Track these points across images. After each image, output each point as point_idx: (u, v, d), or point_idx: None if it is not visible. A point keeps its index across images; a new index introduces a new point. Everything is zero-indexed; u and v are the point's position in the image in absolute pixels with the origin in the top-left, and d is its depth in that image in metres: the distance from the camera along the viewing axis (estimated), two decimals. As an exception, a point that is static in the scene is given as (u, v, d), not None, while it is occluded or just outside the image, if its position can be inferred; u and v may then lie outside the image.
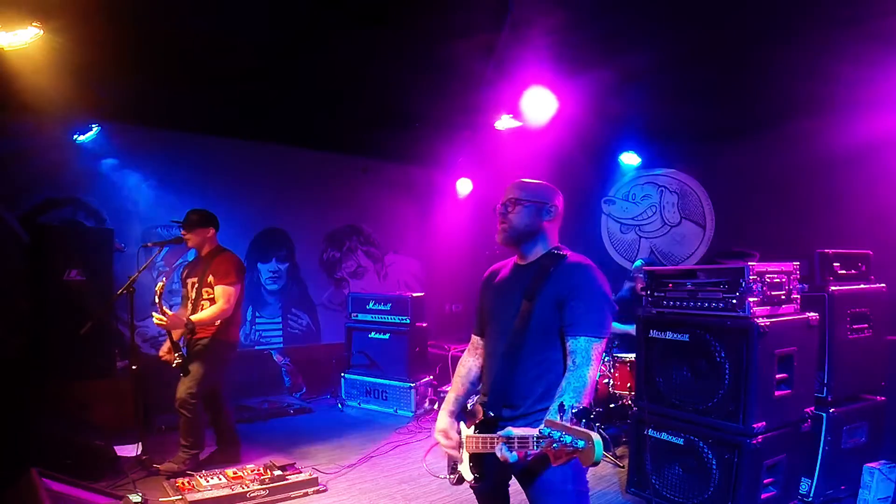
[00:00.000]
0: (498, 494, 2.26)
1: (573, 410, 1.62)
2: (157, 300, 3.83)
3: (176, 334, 4.16)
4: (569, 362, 1.93)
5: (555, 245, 2.14)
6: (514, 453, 1.71)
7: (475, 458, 2.09)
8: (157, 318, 3.86)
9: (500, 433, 1.77)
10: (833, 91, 4.47)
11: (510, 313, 2.08)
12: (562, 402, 1.67)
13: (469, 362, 2.39)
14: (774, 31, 3.85)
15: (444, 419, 2.25)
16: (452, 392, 2.34)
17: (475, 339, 2.39)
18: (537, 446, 1.63)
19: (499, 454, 1.74)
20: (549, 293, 2.00)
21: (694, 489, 3.28)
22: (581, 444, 1.51)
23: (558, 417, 1.65)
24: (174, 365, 4.04)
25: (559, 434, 1.55)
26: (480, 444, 2.01)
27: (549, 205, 2.12)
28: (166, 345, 4.12)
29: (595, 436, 1.50)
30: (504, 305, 2.14)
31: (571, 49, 4.21)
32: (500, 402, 2.07)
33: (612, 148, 6.75)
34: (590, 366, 1.88)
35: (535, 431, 1.64)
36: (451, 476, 2.26)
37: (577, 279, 1.98)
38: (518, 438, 1.70)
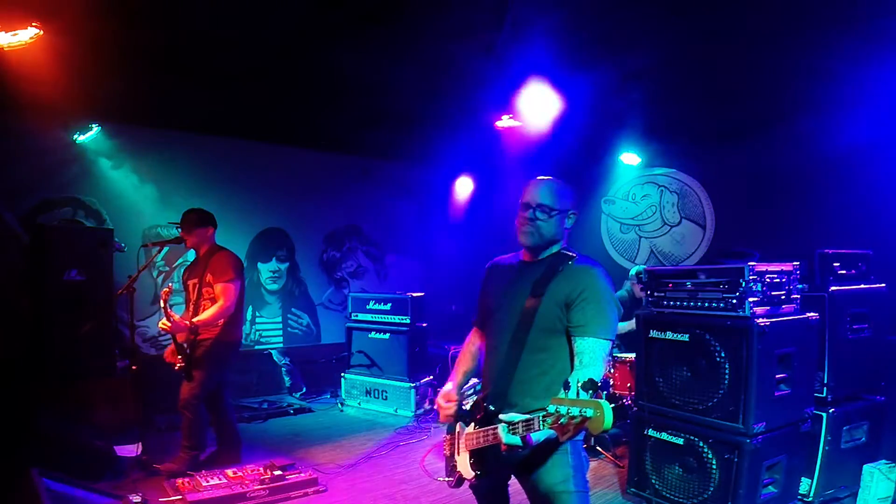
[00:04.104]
0: (498, 494, 2.26)
1: (579, 384, 1.61)
2: (162, 305, 3.84)
3: (180, 337, 4.17)
4: (576, 362, 1.95)
5: (564, 245, 2.17)
6: (518, 437, 1.70)
7: (476, 455, 2.09)
8: (162, 323, 3.90)
9: (502, 416, 1.77)
10: (833, 91, 4.47)
11: (514, 309, 2.09)
12: (567, 380, 1.64)
13: (477, 342, 2.39)
14: (774, 30, 3.85)
15: (450, 385, 2.28)
16: (461, 366, 2.35)
17: (476, 330, 2.40)
18: (543, 425, 1.63)
19: (503, 440, 1.73)
20: (557, 292, 2.01)
21: (694, 489, 3.27)
22: (589, 412, 1.50)
23: (564, 395, 1.63)
24: (177, 367, 4.04)
25: (566, 409, 1.54)
26: (482, 439, 2.01)
27: (572, 211, 2.14)
28: (171, 347, 4.12)
29: (604, 402, 1.49)
30: (508, 300, 2.14)
31: (571, 48, 4.21)
32: (500, 397, 2.07)
33: (612, 148, 6.75)
34: (596, 366, 1.89)
35: (539, 413, 1.64)
36: (450, 479, 2.25)
37: (588, 281, 2.00)
38: (522, 422, 1.70)
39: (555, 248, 2.14)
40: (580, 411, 1.51)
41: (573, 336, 1.97)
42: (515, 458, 1.94)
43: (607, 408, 1.49)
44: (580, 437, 2.03)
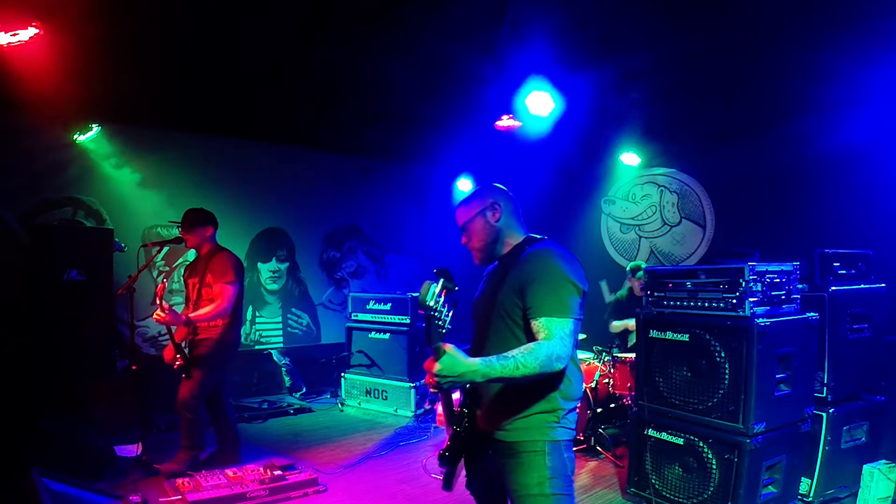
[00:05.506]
0: (494, 493, 2.25)
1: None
2: (157, 301, 3.84)
3: (178, 335, 4.17)
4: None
5: (529, 234, 2.16)
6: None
7: (452, 438, 2.11)
8: (156, 313, 3.87)
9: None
10: (833, 91, 4.47)
11: (485, 301, 2.13)
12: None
13: None
14: (775, 31, 3.85)
15: None
16: None
17: None
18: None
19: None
20: (511, 280, 2.01)
21: (694, 489, 3.27)
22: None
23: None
24: (175, 366, 4.05)
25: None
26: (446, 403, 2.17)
27: (488, 205, 2.14)
28: (169, 347, 4.12)
29: (449, 352, 1.81)
30: (482, 298, 2.20)
31: (571, 48, 4.22)
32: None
33: (612, 148, 6.76)
34: (553, 340, 1.83)
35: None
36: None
37: (536, 264, 1.98)
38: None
39: (514, 241, 2.15)
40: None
41: (529, 319, 1.92)
42: (496, 466, 2.04)
43: (446, 357, 1.80)
44: (561, 437, 1.99)
